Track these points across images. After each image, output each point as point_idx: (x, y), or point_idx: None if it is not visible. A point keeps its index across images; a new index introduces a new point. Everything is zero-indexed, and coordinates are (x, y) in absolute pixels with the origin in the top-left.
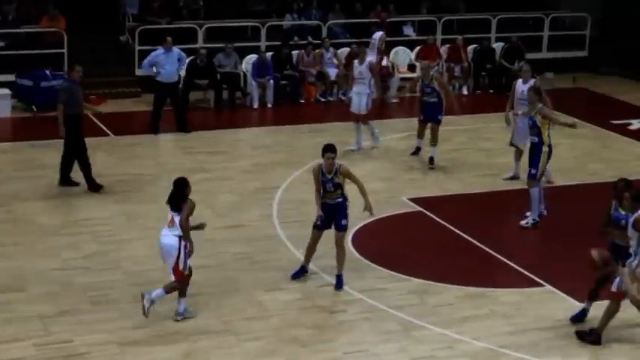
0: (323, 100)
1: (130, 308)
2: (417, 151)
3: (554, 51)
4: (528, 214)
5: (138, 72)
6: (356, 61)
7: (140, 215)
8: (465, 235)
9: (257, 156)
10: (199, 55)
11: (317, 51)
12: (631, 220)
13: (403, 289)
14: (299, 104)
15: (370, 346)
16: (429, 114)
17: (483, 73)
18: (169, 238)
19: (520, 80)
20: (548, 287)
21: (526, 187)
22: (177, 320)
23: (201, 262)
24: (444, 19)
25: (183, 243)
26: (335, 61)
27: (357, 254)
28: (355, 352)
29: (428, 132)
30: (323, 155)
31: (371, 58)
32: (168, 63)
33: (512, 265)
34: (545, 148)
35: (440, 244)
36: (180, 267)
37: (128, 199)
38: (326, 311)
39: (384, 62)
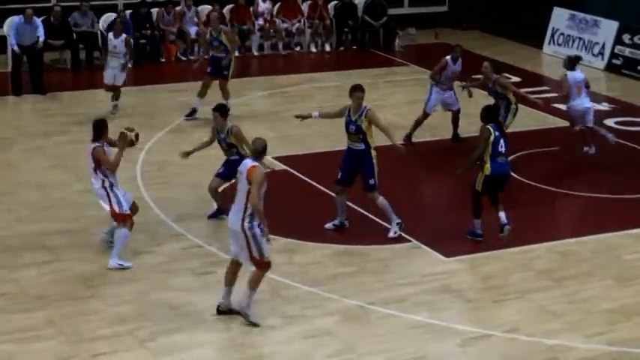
0: (184, 59)
1: None
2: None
3: (415, 6)
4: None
5: None
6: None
7: None
8: (330, 193)
9: (118, 117)
10: (54, 14)
11: (177, 9)
12: None
13: (271, 249)
14: (159, 63)
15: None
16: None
17: (346, 30)
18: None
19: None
20: (415, 242)
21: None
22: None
23: (65, 227)
24: None
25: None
26: (196, 19)
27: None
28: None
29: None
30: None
31: None
32: (27, 33)
33: (379, 221)
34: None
35: (305, 202)
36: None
37: None
38: (194, 274)
39: None
